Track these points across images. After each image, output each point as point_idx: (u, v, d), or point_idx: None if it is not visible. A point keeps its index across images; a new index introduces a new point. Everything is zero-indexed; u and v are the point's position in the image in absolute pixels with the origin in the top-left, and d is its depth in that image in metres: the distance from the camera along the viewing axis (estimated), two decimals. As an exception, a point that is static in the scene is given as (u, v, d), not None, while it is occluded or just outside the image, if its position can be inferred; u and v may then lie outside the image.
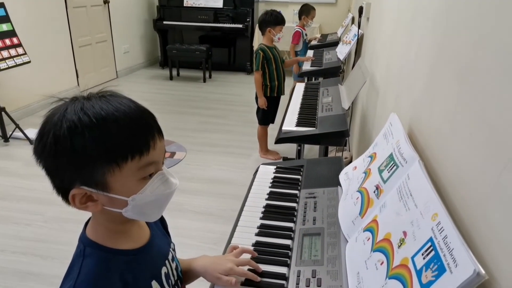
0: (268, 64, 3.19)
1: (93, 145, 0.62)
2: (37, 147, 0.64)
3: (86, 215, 0.76)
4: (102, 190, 0.64)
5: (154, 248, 0.76)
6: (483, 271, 0.53)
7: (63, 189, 0.66)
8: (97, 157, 0.62)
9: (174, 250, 0.85)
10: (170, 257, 0.81)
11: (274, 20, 3.17)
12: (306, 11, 4.55)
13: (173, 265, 0.81)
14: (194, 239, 2.27)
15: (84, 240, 0.71)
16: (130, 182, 0.65)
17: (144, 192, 0.66)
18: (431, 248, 0.63)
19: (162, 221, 0.87)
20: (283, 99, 3.26)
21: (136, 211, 0.67)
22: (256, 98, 3.32)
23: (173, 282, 0.80)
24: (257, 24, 3.26)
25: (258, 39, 6.11)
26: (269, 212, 1.14)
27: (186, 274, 0.90)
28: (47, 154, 0.63)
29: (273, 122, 3.38)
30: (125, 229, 0.72)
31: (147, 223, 0.78)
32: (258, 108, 3.34)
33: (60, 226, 2.44)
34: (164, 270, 0.77)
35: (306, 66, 3.59)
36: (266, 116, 3.33)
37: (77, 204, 0.65)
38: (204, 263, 0.88)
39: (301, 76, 3.85)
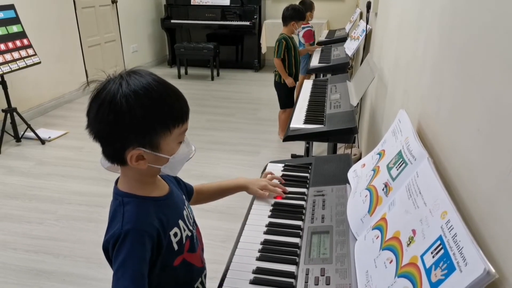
0: (289, 52, 3.46)
1: (157, 114, 0.78)
2: (100, 115, 0.77)
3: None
4: (153, 150, 0.80)
5: (174, 196, 0.94)
6: (493, 270, 0.52)
7: (118, 152, 0.80)
8: (158, 123, 0.79)
9: (188, 200, 1.03)
10: (186, 204, 0.98)
11: (300, 16, 3.47)
12: (308, 7, 4.51)
13: (189, 210, 0.98)
14: (203, 236, 2.27)
15: (120, 193, 0.85)
16: (173, 144, 0.83)
17: (179, 152, 0.84)
18: (441, 246, 0.62)
19: (177, 180, 1.05)
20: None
21: (171, 167, 0.85)
22: (276, 85, 3.57)
23: (192, 222, 0.97)
24: (282, 16, 3.53)
25: (266, 36, 6.10)
26: (277, 210, 1.14)
27: (227, 190, 1.19)
28: (112, 121, 0.76)
29: (292, 105, 3.48)
30: (153, 181, 0.89)
31: (163, 178, 0.94)
32: (280, 94, 3.59)
33: (72, 224, 2.47)
34: (185, 212, 0.94)
35: (314, 63, 3.57)
36: (285, 99, 3.58)
37: (132, 162, 0.80)
38: (246, 180, 1.21)
39: (308, 73, 3.84)
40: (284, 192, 1.20)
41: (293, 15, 3.44)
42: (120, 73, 0.81)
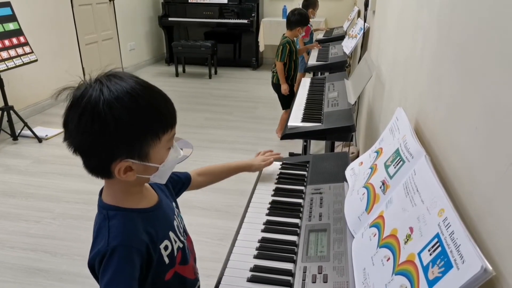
0: (290, 56, 3.48)
1: (145, 121, 0.73)
2: (82, 126, 0.71)
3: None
4: (142, 160, 0.75)
5: (164, 206, 0.88)
6: (490, 268, 0.52)
7: (103, 165, 0.74)
8: (147, 131, 0.74)
9: (178, 208, 0.97)
10: (176, 212, 0.93)
11: (306, 21, 3.53)
12: (312, 4, 4.54)
13: (179, 219, 0.93)
14: (201, 235, 2.28)
15: (105, 206, 0.79)
16: (162, 151, 0.78)
17: (168, 159, 0.79)
18: (438, 244, 0.62)
19: (166, 184, 0.98)
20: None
21: (161, 175, 0.80)
22: (274, 86, 3.61)
23: (182, 232, 0.92)
24: (287, 20, 3.55)
25: (264, 34, 6.09)
26: (275, 208, 1.14)
27: (233, 170, 1.23)
28: (97, 132, 0.70)
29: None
30: (140, 191, 0.83)
31: (152, 186, 0.89)
32: (280, 96, 3.63)
33: (69, 223, 2.47)
34: (175, 222, 0.89)
35: (312, 61, 3.57)
36: (286, 100, 3.61)
37: (121, 175, 0.74)
38: (247, 161, 1.30)
39: (307, 71, 3.85)
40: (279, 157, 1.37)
41: (300, 20, 3.46)
42: (98, 77, 0.74)
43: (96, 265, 0.75)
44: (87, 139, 0.72)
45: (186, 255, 0.90)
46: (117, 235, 0.75)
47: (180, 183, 1.05)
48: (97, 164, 0.75)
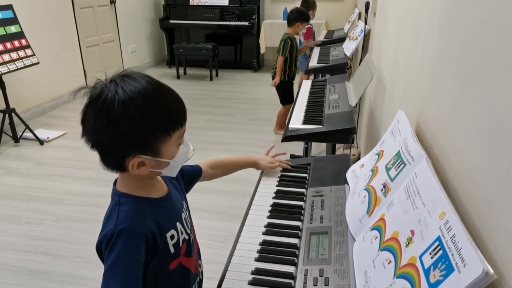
0: (291, 52, 3.66)
1: (157, 121, 0.77)
2: (97, 125, 0.75)
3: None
4: (154, 156, 0.80)
5: (173, 197, 0.92)
6: (491, 271, 0.52)
7: (118, 160, 0.79)
8: (158, 130, 0.78)
9: (186, 202, 1.00)
10: (184, 206, 0.96)
11: (305, 17, 3.73)
12: (310, 6, 4.56)
13: (187, 213, 0.97)
14: (203, 237, 2.25)
15: (117, 193, 0.84)
16: (173, 147, 0.82)
17: (179, 154, 0.83)
18: (439, 247, 0.62)
19: (177, 178, 1.01)
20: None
21: (172, 169, 0.85)
22: (273, 78, 3.77)
23: (190, 226, 0.95)
24: (287, 19, 3.75)
25: (264, 36, 6.10)
26: (276, 211, 1.14)
27: (241, 165, 1.30)
28: (111, 132, 0.74)
29: (292, 101, 3.56)
30: (152, 183, 0.88)
31: (163, 179, 0.93)
32: (279, 91, 3.80)
33: (70, 225, 2.47)
34: (183, 215, 0.93)
35: (313, 63, 3.57)
36: (285, 96, 3.78)
37: (134, 169, 0.79)
38: (255, 158, 1.35)
39: (307, 73, 3.85)
40: (289, 165, 1.37)
41: (298, 17, 3.66)
42: (113, 77, 0.78)
43: (103, 247, 0.78)
44: (103, 138, 0.76)
45: (190, 248, 0.93)
46: (125, 219, 0.79)
47: (192, 175, 1.11)
48: (112, 160, 0.80)
